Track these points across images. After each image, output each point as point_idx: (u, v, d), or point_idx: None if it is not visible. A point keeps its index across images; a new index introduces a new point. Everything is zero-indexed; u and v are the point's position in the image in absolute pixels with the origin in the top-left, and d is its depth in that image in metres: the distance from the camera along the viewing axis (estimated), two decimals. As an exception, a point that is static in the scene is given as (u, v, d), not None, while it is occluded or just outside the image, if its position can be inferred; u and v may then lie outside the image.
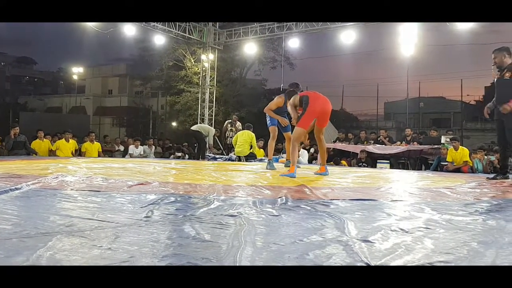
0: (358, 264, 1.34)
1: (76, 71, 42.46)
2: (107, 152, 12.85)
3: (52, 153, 11.09)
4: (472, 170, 9.17)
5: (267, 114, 6.90)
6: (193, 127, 12.14)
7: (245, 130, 10.94)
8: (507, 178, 5.46)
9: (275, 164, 7.06)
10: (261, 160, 10.75)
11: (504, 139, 5.54)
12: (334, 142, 12.85)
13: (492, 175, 5.54)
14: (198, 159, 11.33)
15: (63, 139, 11.39)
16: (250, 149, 10.69)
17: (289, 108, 5.89)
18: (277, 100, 6.74)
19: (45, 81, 54.76)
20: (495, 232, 1.87)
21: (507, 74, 5.29)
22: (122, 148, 13.60)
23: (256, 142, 11.37)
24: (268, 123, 6.99)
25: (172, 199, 2.62)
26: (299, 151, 11.73)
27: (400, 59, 16.15)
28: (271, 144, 7.21)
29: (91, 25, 12.52)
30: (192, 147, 13.97)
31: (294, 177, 5.12)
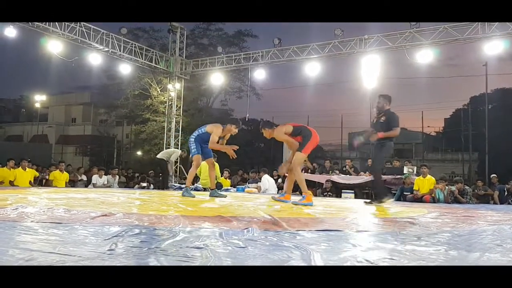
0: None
1: (39, 98, 41.43)
2: (70, 181, 12.55)
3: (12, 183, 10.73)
4: (434, 200, 9.41)
5: (190, 143, 7.10)
6: (159, 155, 12.06)
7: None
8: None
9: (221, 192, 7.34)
10: (227, 190, 10.71)
11: None
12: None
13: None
14: (162, 189, 11.20)
15: (20, 168, 11.03)
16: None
17: (284, 137, 6.01)
18: (218, 131, 6.98)
19: (6, 108, 53.22)
20: (457, 262, 1.91)
21: (382, 118, 6.40)
22: (85, 177, 13.32)
23: (222, 172, 11.36)
24: (192, 151, 7.11)
25: (137, 231, 2.56)
26: (261, 177, 11.90)
27: (363, 91, 16.56)
28: (193, 172, 7.38)
29: (56, 53, 12.33)
30: (158, 176, 13.83)
31: (311, 205, 5.42)
